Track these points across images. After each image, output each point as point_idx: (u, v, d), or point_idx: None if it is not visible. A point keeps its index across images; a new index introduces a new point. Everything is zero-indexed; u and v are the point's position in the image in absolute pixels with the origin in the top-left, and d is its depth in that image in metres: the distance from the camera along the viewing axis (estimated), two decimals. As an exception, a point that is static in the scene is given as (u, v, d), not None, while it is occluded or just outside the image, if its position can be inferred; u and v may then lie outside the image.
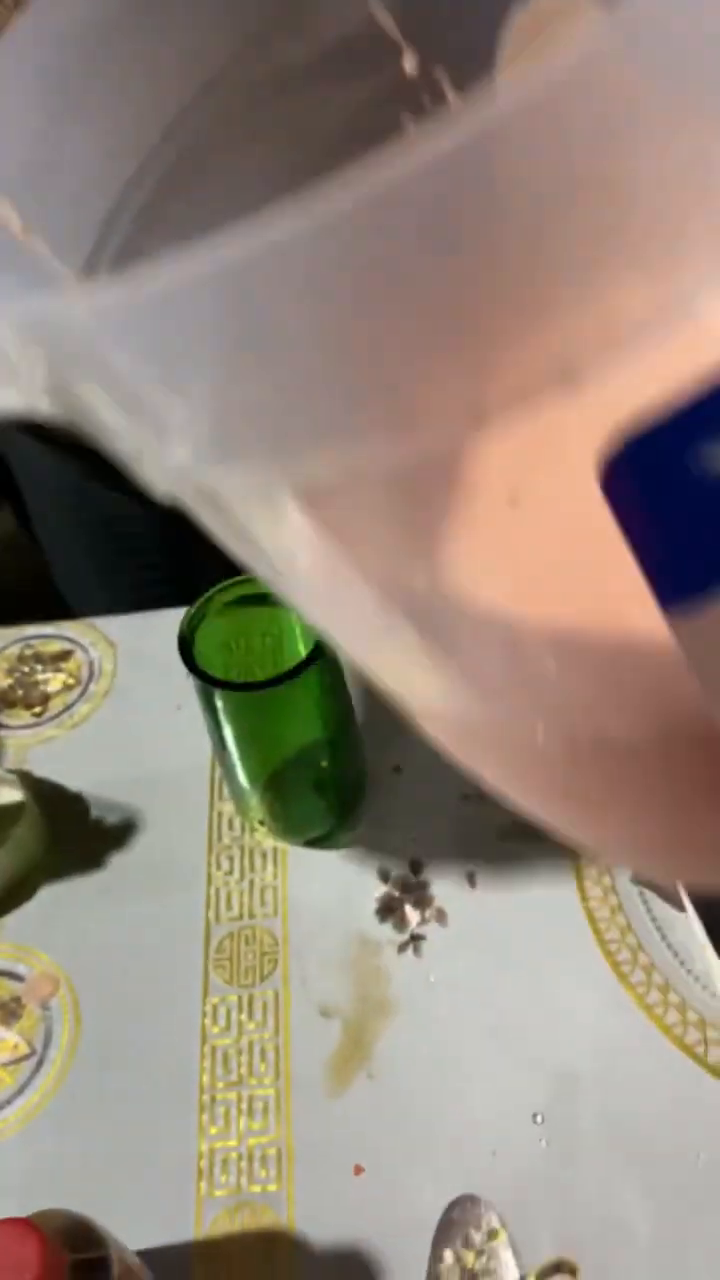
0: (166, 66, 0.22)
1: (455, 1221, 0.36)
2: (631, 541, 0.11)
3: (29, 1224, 0.28)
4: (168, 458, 0.13)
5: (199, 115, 0.23)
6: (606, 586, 0.15)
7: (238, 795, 0.45)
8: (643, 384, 0.10)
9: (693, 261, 0.10)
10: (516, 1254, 0.35)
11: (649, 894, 0.42)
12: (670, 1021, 0.39)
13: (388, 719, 0.35)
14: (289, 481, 0.13)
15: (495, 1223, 0.36)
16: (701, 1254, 0.35)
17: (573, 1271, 0.35)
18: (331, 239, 0.10)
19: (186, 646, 0.39)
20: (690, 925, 0.41)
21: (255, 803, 0.44)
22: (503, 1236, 0.36)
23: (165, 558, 0.67)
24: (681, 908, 0.42)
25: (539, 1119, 0.38)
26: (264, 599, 0.41)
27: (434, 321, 0.11)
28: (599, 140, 0.10)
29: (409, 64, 0.23)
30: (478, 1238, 0.36)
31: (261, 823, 0.45)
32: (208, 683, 0.38)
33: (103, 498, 0.63)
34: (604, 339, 0.10)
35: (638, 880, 0.43)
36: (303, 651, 0.42)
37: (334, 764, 0.44)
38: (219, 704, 0.39)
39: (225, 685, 0.38)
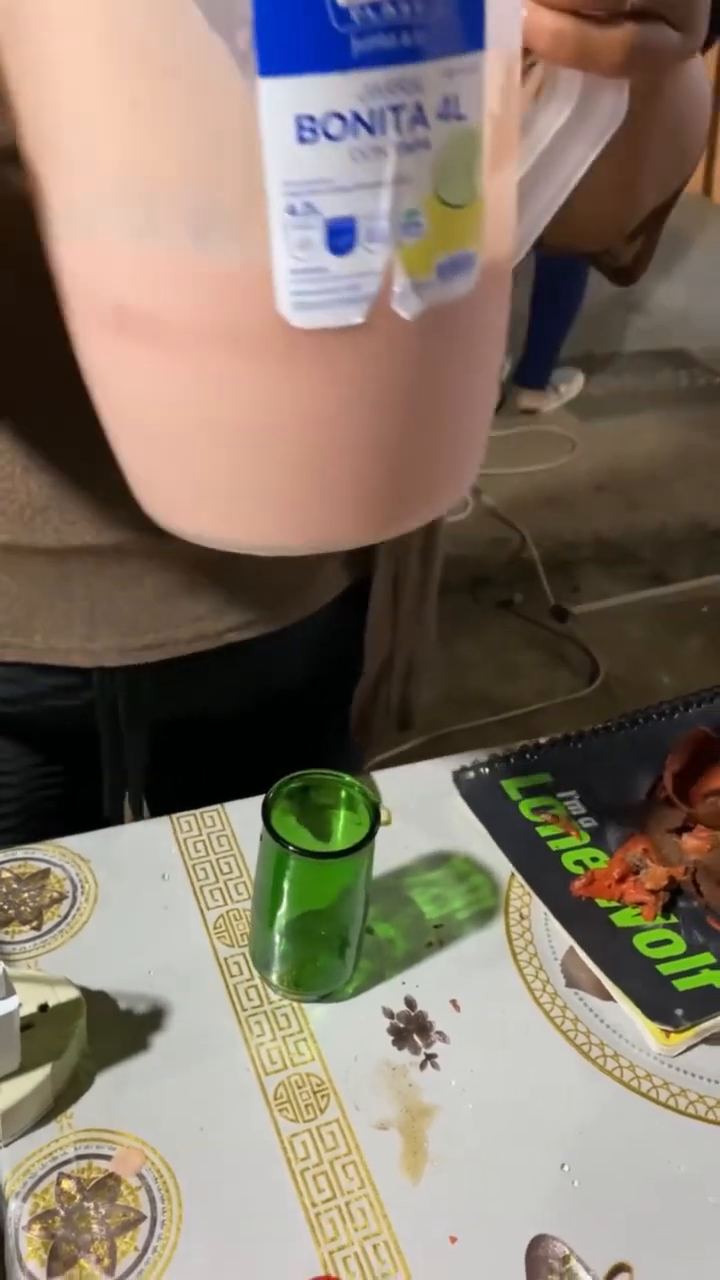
0: None
1: (538, 1258, 0.47)
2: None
3: None
4: None
5: None
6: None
7: (265, 957, 0.54)
8: None
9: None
10: (587, 1269, 0.46)
11: (584, 994, 0.57)
12: (628, 1079, 0.53)
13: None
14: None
15: (564, 1250, 0.47)
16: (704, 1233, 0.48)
17: (629, 1270, 0.46)
18: None
19: (267, 815, 0.49)
20: (620, 1008, 0.56)
21: (284, 963, 0.53)
22: (573, 1260, 0.47)
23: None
24: (609, 997, 0.57)
25: (565, 1167, 0.50)
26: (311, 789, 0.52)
27: None
28: None
29: None
30: (557, 1265, 0.46)
31: (281, 981, 0.54)
32: (301, 854, 0.48)
33: None
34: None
35: (571, 984, 0.57)
36: (363, 821, 0.51)
37: (358, 926, 0.54)
38: (290, 869, 0.49)
39: (304, 854, 0.49)
